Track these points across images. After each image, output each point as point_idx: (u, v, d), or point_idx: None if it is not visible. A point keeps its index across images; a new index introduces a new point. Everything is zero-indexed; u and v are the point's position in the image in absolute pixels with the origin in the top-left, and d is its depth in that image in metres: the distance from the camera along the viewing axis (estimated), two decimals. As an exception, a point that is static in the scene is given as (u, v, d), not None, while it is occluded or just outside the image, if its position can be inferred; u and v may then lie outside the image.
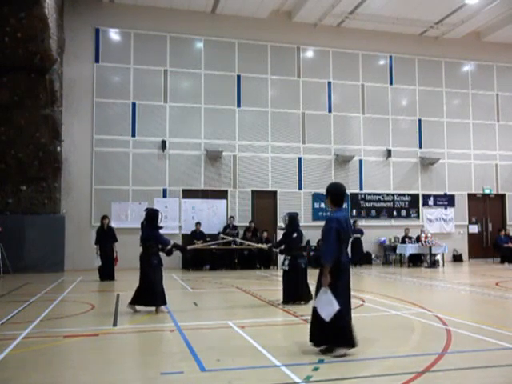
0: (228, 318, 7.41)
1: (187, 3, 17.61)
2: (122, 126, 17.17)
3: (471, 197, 20.45)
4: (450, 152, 20.22)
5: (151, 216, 8.35)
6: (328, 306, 5.14)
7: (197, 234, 16.84)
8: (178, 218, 17.38)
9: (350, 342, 5.18)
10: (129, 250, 16.12)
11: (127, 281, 13.06)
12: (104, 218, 13.54)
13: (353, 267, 17.45)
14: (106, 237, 13.18)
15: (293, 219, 9.29)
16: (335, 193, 5.71)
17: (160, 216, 8.34)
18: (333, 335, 5.17)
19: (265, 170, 18.30)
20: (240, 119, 18.23)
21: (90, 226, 16.42)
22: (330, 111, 19.16)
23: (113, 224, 15.17)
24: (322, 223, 15.48)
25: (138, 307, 8.08)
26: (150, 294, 8.03)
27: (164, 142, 17.31)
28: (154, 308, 8.07)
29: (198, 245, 13.04)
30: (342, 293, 5.29)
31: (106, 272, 13.01)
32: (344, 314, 5.20)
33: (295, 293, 8.68)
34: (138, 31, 17.56)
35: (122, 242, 14.01)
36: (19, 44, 13.72)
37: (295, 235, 9.00)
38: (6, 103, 14.79)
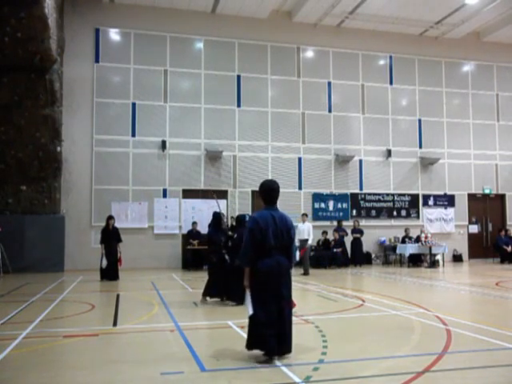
0: (228, 317, 7.41)
1: (187, 3, 17.61)
2: (122, 126, 17.17)
3: (471, 197, 20.45)
4: (450, 152, 20.22)
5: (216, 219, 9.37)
6: (248, 308, 5.05)
7: (193, 234, 16.84)
8: (178, 217, 17.38)
9: (254, 347, 5.00)
10: (129, 250, 16.17)
11: (128, 281, 13.09)
12: (110, 218, 13.56)
13: (353, 267, 17.49)
14: (110, 237, 13.21)
15: (238, 222, 9.18)
16: (260, 190, 5.31)
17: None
18: (247, 338, 5.11)
19: (265, 170, 18.29)
20: (240, 119, 18.23)
21: (90, 226, 16.43)
22: (330, 111, 19.16)
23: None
24: (323, 223, 15.66)
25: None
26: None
27: (164, 142, 17.31)
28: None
29: None
30: (260, 299, 4.96)
31: (110, 272, 13.00)
32: (259, 322, 4.93)
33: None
34: (138, 31, 17.55)
35: (122, 243, 14.00)
36: (19, 44, 13.71)
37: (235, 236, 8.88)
38: (5, 103, 14.78)
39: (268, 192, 5.26)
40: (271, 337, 4.90)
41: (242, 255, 5.12)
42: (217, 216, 9.38)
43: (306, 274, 14.38)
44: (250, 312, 4.98)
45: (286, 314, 5.05)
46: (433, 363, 4.78)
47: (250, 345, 5.03)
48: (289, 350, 5.03)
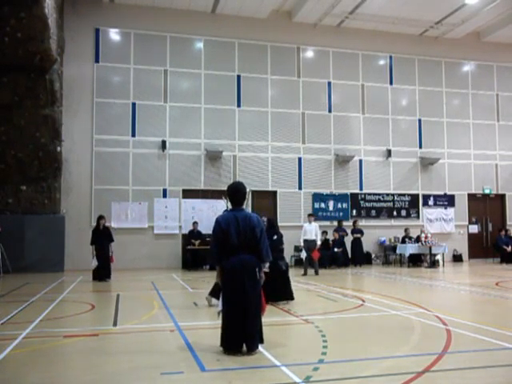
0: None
1: (187, 3, 17.61)
2: (122, 126, 17.17)
3: (471, 197, 20.45)
4: (450, 152, 20.22)
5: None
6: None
7: (194, 234, 16.84)
8: (178, 218, 17.38)
9: (223, 343, 5.21)
10: (129, 251, 16.19)
11: (128, 281, 13.09)
12: (100, 218, 13.38)
13: (353, 267, 17.49)
14: (101, 237, 13.07)
15: (272, 222, 9.67)
16: (227, 193, 5.70)
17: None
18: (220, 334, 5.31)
19: (265, 170, 18.29)
20: (240, 119, 18.23)
21: (90, 226, 16.33)
22: (330, 111, 19.16)
23: (113, 224, 15.16)
24: (322, 223, 15.65)
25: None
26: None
27: (164, 142, 17.31)
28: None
29: None
30: (226, 296, 5.26)
31: (103, 272, 12.86)
32: (226, 317, 5.20)
33: (272, 294, 8.44)
34: (138, 31, 17.56)
35: (122, 243, 14.02)
36: (19, 44, 13.71)
37: (275, 237, 8.97)
38: (6, 103, 14.79)
39: (233, 194, 5.63)
40: (233, 334, 5.12)
41: (209, 255, 5.48)
42: (272, 221, 9.76)
43: (316, 273, 14.35)
44: (219, 308, 5.42)
45: (251, 311, 5.16)
46: (433, 363, 4.78)
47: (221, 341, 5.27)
48: (252, 349, 5.13)
